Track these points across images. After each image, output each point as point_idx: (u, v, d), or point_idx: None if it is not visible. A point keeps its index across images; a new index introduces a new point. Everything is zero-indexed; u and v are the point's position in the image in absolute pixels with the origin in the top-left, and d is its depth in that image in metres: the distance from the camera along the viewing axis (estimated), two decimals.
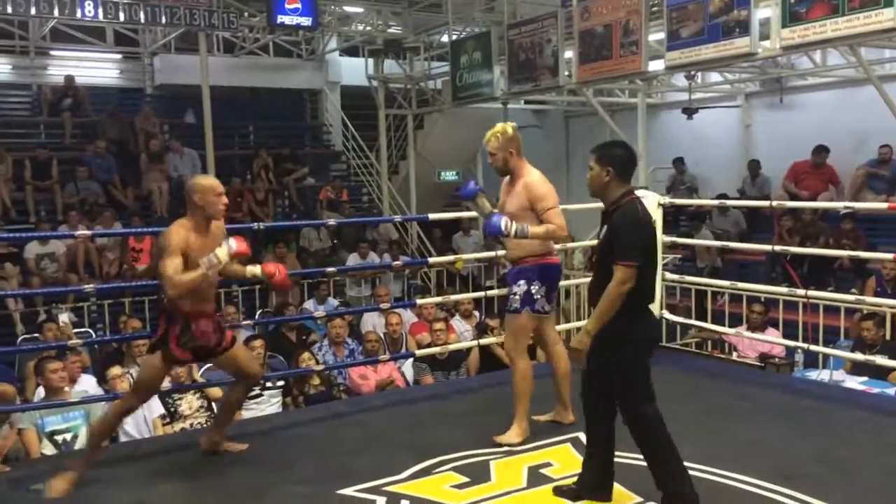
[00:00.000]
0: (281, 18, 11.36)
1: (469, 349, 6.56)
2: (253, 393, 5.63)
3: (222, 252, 3.69)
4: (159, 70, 13.65)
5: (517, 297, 4.21)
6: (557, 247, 4.75)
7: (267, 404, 5.77)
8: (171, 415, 5.49)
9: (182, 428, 5.40)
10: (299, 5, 11.41)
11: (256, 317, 8.79)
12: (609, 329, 3.20)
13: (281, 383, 5.94)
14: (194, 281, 3.61)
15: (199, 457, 4.15)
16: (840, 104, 10.50)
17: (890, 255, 6.09)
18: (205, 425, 5.38)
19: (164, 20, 10.53)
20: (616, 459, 3.48)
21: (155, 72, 13.76)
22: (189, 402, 5.55)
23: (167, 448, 4.46)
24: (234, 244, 3.74)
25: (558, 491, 3.52)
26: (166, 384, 5.69)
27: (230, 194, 11.21)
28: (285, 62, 14.45)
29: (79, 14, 9.52)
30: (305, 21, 11.56)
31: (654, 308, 5.68)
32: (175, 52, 13.50)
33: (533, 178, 4.19)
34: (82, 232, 6.55)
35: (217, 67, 12.44)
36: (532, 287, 4.18)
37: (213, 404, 5.56)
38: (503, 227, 4.05)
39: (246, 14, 11.99)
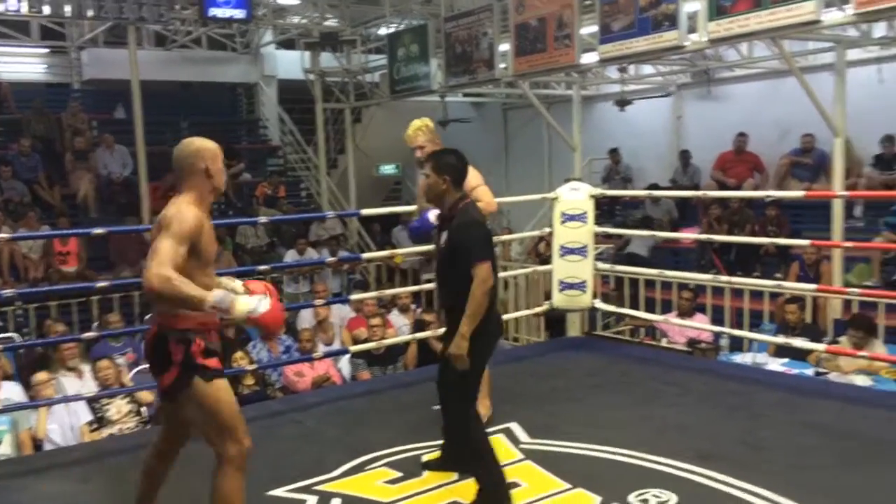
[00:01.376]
0: (213, 11, 11.14)
1: (407, 343, 6.58)
2: None
3: (243, 305, 2.69)
4: (87, 64, 13.28)
5: None
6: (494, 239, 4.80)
7: None
8: (99, 420, 5.37)
9: (111, 433, 5.29)
10: None
11: None
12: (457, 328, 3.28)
13: None
14: (187, 300, 2.64)
15: (129, 461, 4.07)
16: (765, 95, 10.81)
17: (806, 242, 6.30)
18: (134, 430, 5.28)
19: (91, 13, 10.23)
20: (545, 448, 3.54)
21: (83, 66, 13.38)
22: (118, 407, 5.43)
23: (97, 453, 4.37)
24: (265, 305, 2.73)
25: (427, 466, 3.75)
26: (93, 388, 5.61)
27: (162, 191, 11.17)
28: (219, 56, 14.20)
29: (2, 8, 9.20)
30: (239, 14, 11.36)
31: (587, 297, 5.86)
32: (104, 45, 13.14)
33: None
34: (2, 235, 6.35)
35: (148, 61, 12.17)
36: None
37: (143, 409, 5.46)
38: (432, 219, 4.07)
39: (177, 7, 11.71)
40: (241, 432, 2.86)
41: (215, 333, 2.96)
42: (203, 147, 2.93)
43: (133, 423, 5.41)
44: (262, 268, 6.04)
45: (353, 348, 6.09)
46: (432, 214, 4.08)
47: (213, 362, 2.88)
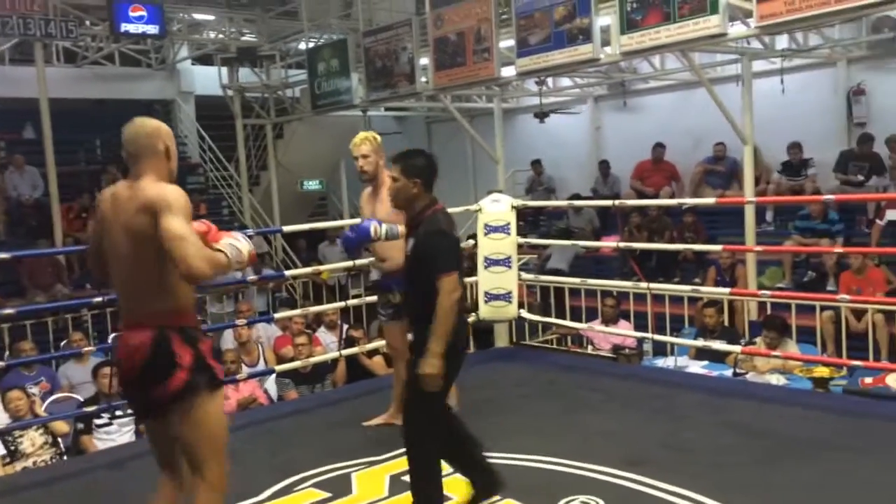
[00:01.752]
0: (125, 27, 10.88)
1: (335, 361, 6.51)
2: (101, 421, 5.35)
3: (244, 245, 2.69)
4: None
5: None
6: None
7: (118, 434, 5.48)
8: (12, 454, 5.12)
9: (24, 467, 5.05)
10: (144, 13, 10.97)
11: (110, 341, 8.36)
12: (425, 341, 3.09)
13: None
14: (219, 268, 2.53)
15: (44, 494, 3.91)
16: (678, 106, 11.17)
17: (719, 247, 6.52)
18: (49, 462, 5.05)
19: None
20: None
21: None
22: (31, 439, 5.19)
23: (10, 488, 4.17)
24: (244, 239, 2.74)
25: None
26: (6, 420, 5.35)
27: (77, 212, 10.81)
28: (133, 72, 13.81)
29: None
30: (152, 29, 11.12)
31: (512, 308, 5.92)
32: (10, 63, 12.62)
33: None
34: None
35: (58, 79, 11.76)
36: None
37: (60, 440, 5.24)
38: (372, 231, 4.05)
39: (87, 23, 11.39)
40: (224, 455, 2.67)
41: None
42: (161, 126, 2.73)
43: (48, 456, 5.18)
44: None
45: (279, 368, 5.99)
46: (372, 225, 4.06)
47: (218, 366, 2.66)
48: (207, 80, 13.90)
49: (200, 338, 2.64)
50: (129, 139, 2.69)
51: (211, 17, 12.91)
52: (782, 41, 9.18)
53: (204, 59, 14.31)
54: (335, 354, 6.24)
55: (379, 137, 4.36)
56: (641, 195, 10.42)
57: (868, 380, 4.98)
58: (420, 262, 3.21)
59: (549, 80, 11.43)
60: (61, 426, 5.21)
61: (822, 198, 5.97)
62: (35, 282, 9.68)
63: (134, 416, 5.56)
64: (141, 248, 2.54)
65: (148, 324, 2.56)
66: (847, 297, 5.18)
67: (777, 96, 9.19)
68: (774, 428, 4.31)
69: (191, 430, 2.58)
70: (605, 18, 8.35)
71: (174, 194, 2.53)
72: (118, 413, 5.51)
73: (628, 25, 7.94)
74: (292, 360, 6.49)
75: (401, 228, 3.98)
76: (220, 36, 13.07)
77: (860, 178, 8.91)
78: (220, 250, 2.60)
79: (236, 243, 2.66)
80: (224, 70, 13.11)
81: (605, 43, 8.45)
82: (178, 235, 2.44)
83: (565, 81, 12.07)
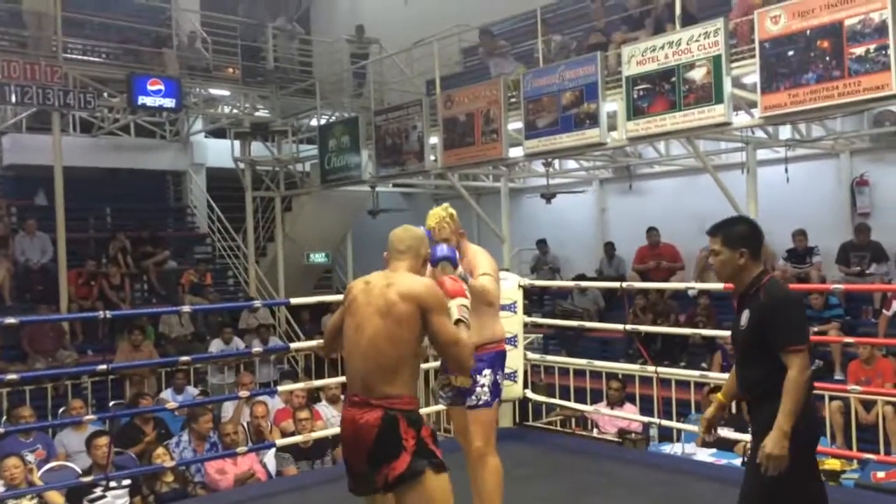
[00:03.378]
0: (142, 100, 11.15)
1: (335, 436, 6.40)
2: (94, 495, 5.24)
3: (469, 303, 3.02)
4: (8, 149, 12.94)
5: (486, 388, 3.83)
6: None
7: None
8: None
9: None
10: (162, 87, 11.26)
11: (109, 407, 8.27)
12: (770, 421, 2.83)
13: (128, 482, 5.55)
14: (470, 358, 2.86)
15: None
16: (683, 190, 11.31)
17: (727, 333, 6.47)
18: None
19: (13, 98, 10.10)
20: None
21: (3, 151, 13.03)
22: None
23: None
24: (456, 305, 2.94)
25: None
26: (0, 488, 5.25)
27: (82, 277, 10.84)
28: (148, 143, 14.08)
29: None
30: (169, 103, 11.39)
31: (518, 387, 5.86)
32: (27, 131, 12.88)
33: (476, 250, 4.00)
34: None
35: (73, 148, 12.00)
36: (497, 376, 3.88)
37: None
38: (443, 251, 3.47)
39: (105, 94, 11.67)
40: None
41: None
42: (425, 237, 3.13)
43: None
44: (183, 358, 5.90)
45: (280, 442, 5.90)
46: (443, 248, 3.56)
47: (439, 451, 2.77)
48: (219, 152, 14.15)
49: (423, 423, 2.82)
50: (400, 237, 3.05)
51: (226, 93, 13.23)
52: (786, 131, 9.36)
53: (217, 133, 14.61)
54: (336, 430, 6.14)
55: (454, 212, 3.95)
56: (645, 278, 10.44)
57: (881, 474, 4.88)
58: (758, 332, 2.92)
59: (556, 162, 11.63)
60: (55, 497, 5.10)
61: (832, 287, 5.97)
62: (35, 347, 9.64)
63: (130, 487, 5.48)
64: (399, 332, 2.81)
65: (377, 406, 2.76)
66: (858, 387, 5.11)
67: (782, 185, 9.31)
68: None
69: None
70: (612, 104, 8.56)
71: (438, 290, 2.89)
72: (112, 484, 5.40)
73: (635, 112, 8.13)
74: (292, 434, 6.40)
75: (472, 281, 3.75)
76: (235, 111, 13.38)
77: (860, 269, 8.93)
78: (460, 320, 2.90)
79: (465, 303, 2.96)
80: (237, 143, 13.37)
81: (612, 128, 8.64)
82: (444, 333, 2.81)
83: (571, 164, 12.26)
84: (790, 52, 7.00)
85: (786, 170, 9.29)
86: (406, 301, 2.77)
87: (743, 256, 2.99)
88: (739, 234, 3.02)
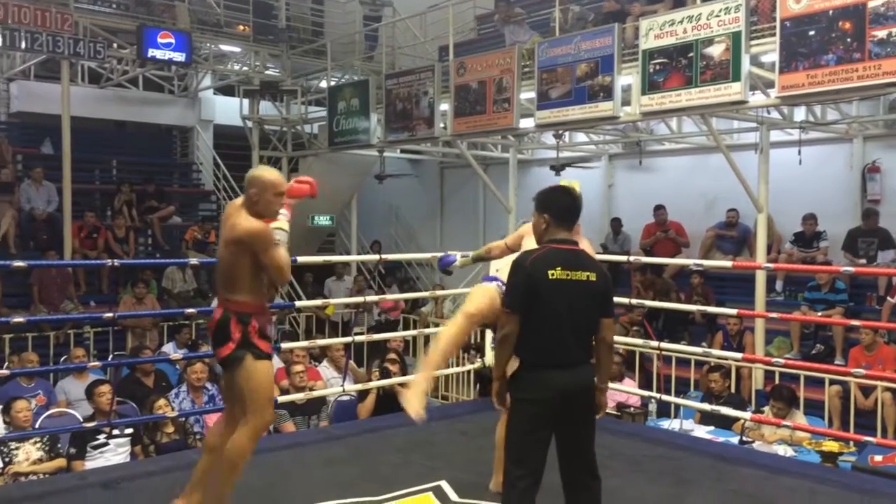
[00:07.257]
0: (152, 52, 11.05)
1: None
2: (97, 441, 5.27)
3: (284, 223, 3.59)
4: (16, 97, 12.87)
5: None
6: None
7: (113, 453, 5.39)
8: (6, 465, 5.04)
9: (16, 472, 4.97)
10: (173, 40, 11.16)
11: (109, 359, 8.30)
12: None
13: (130, 431, 5.59)
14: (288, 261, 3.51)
15: None
16: (693, 169, 11.23)
17: (733, 311, 6.48)
18: (41, 477, 4.97)
19: (23, 45, 10.00)
20: None
21: (11, 98, 12.96)
22: (27, 452, 5.12)
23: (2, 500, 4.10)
24: (284, 218, 3.61)
25: None
26: (2, 431, 5.29)
27: (85, 229, 10.83)
28: (155, 97, 13.98)
29: None
30: (179, 57, 11.29)
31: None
32: (35, 79, 12.79)
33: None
34: None
35: (80, 98, 11.90)
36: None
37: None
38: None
39: (115, 45, 11.56)
40: (271, 410, 3.58)
41: (270, 324, 3.60)
42: (256, 177, 3.59)
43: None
44: (189, 311, 5.89)
45: (281, 399, 5.91)
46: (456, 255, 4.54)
47: (264, 345, 3.46)
48: (227, 110, 14.06)
49: (252, 321, 3.44)
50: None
51: (237, 49, 13.11)
52: (800, 113, 9.27)
53: (225, 90, 14.50)
54: (337, 390, 6.18)
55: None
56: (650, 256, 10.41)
57: (878, 458, 4.89)
58: None
59: (566, 135, 11.54)
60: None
61: (840, 269, 5.93)
62: (42, 296, 9.66)
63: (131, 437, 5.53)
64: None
65: (220, 306, 3.53)
66: (861, 370, 5.11)
67: (793, 167, 9.24)
68: (782, 500, 4.23)
69: (241, 384, 3.44)
70: (627, 78, 8.46)
71: (263, 227, 3.51)
72: (115, 433, 5.44)
73: (650, 87, 8.04)
74: (289, 391, 6.43)
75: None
76: (245, 68, 13.26)
77: (867, 257, 8.88)
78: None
79: (281, 226, 3.62)
80: (245, 101, 13.26)
81: (626, 102, 8.55)
82: (271, 267, 3.56)
83: (581, 137, 12.17)
84: (811, 32, 6.90)
85: (799, 152, 9.21)
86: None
87: (545, 221, 3.33)
88: (544, 200, 3.39)
